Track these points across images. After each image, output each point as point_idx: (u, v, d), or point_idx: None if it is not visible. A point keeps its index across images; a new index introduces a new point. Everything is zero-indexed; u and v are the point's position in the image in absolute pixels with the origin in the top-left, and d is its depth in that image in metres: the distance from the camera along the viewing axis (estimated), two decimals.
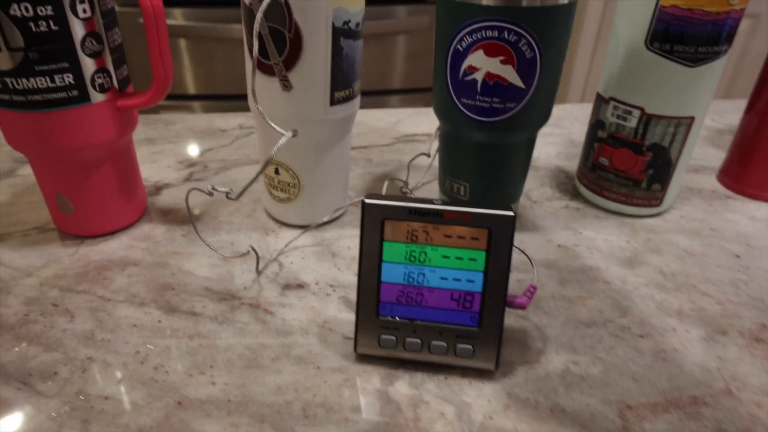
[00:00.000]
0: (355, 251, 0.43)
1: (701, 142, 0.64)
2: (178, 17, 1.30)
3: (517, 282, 0.40)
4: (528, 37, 0.35)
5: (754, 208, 0.50)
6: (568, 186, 0.53)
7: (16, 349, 0.34)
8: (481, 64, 0.37)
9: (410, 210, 0.30)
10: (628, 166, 0.45)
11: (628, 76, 0.43)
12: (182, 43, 1.34)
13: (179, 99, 1.43)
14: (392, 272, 0.32)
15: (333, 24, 0.36)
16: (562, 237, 0.45)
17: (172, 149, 0.60)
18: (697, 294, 0.39)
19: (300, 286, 0.39)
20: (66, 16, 0.34)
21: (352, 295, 0.39)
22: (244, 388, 0.31)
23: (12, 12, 0.32)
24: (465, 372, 0.32)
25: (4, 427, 0.29)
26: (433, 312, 0.32)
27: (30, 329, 0.35)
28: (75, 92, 0.36)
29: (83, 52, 0.36)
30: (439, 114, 0.42)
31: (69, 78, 0.36)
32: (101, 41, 0.37)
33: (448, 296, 0.31)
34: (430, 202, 0.31)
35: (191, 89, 1.42)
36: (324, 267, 0.41)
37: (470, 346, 0.32)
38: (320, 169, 0.43)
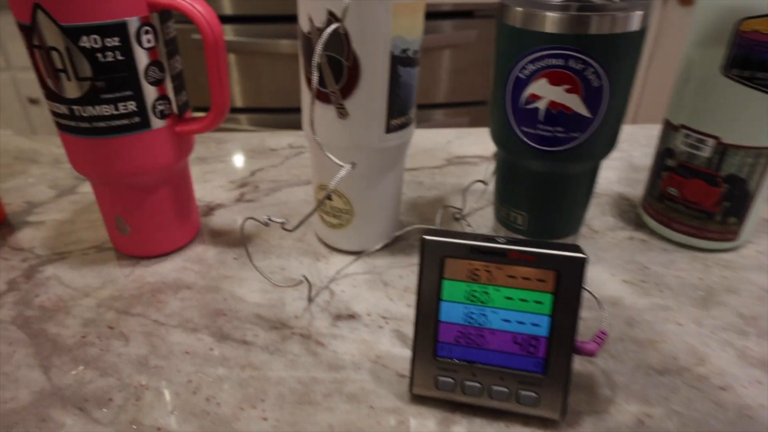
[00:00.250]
0: (408, 281, 0.42)
1: None
2: (227, 33, 1.33)
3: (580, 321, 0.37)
4: (595, 65, 0.34)
5: None
6: (631, 215, 0.50)
7: (74, 372, 0.34)
8: (544, 92, 0.36)
9: (472, 248, 0.29)
10: (701, 197, 0.42)
11: (702, 103, 0.40)
12: (231, 57, 1.37)
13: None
14: (452, 312, 0.30)
15: (391, 52, 0.35)
16: (627, 271, 0.43)
17: (224, 169, 0.60)
18: None
19: (351, 316, 0.39)
20: (131, 47, 0.34)
21: (406, 329, 0.37)
22: (296, 426, 0.30)
23: (81, 43, 0.33)
24: (528, 420, 0.31)
25: None
26: (495, 355, 0.30)
27: (87, 352, 0.35)
28: (137, 119, 0.37)
29: (146, 80, 0.36)
30: (498, 141, 0.41)
31: (132, 105, 0.36)
32: (163, 69, 0.37)
33: (510, 339, 0.30)
34: (493, 239, 0.29)
35: (239, 102, 1.45)
36: (376, 297, 0.40)
37: (534, 394, 0.30)
38: (373, 196, 0.42)
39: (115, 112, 0.36)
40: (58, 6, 0.32)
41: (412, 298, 0.40)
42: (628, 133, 0.69)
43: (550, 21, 0.33)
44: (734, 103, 0.38)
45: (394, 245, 0.46)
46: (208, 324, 0.38)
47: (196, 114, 0.42)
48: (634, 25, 0.33)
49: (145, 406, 0.32)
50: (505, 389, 0.30)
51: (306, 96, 0.39)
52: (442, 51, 1.42)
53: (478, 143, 0.66)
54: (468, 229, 0.48)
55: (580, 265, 0.28)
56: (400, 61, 0.36)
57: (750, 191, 0.41)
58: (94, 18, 0.33)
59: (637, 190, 0.55)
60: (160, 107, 0.38)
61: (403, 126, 0.39)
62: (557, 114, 0.36)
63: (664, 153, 0.44)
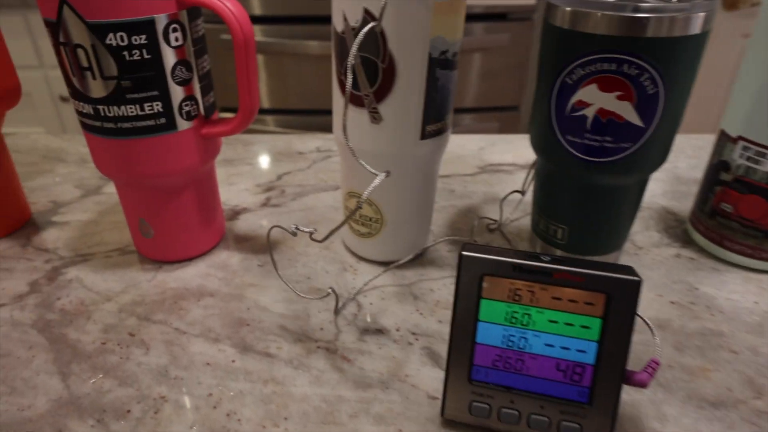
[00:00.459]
0: (439, 294, 0.40)
1: None
2: (256, 33, 1.32)
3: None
4: (651, 71, 0.31)
5: None
6: (677, 231, 0.47)
7: (93, 380, 0.33)
8: (594, 99, 0.33)
9: (514, 266, 0.27)
10: (759, 215, 0.39)
11: (764, 115, 0.37)
12: (259, 58, 1.37)
13: None
14: (489, 333, 0.28)
15: (429, 54, 0.33)
16: (674, 292, 0.40)
17: (250, 171, 0.59)
18: None
19: (380, 331, 0.37)
20: (159, 45, 0.33)
21: (437, 347, 0.35)
22: None
23: (108, 41, 0.32)
24: None
25: None
26: (535, 382, 0.28)
27: (107, 359, 0.34)
28: (163, 120, 0.36)
29: (173, 80, 0.35)
30: (539, 150, 0.38)
31: (158, 106, 0.35)
32: (191, 69, 0.36)
33: (553, 366, 0.28)
34: (537, 257, 0.27)
35: (266, 104, 1.45)
36: (405, 311, 0.38)
37: (577, 425, 0.27)
38: (405, 205, 0.40)
39: (141, 113, 0.35)
40: (84, 2, 0.31)
41: (443, 314, 0.38)
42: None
43: (603, 22, 0.31)
44: None
45: (424, 256, 0.44)
46: (231, 334, 0.36)
47: (224, 115, 0.40)
48: (696, 27, 0.30)
49: (164, 419, 0.31)
50: (546, 418, 0.28)
51: (338, 99, 0.37)
52: (473, 54, 1.40)
53: (511, 151, 0.64)
54: (506, 243, 0.46)
55: (633, 288, 0.26)
56: (438, 63, 0.34)
57: None
58: (121, 15, 0.31)
59: (683, 204, 0.52)
60: (187, 108, 0.36)
61: (438, 132, 0.37)
62: (606, 122, 0.33)
63: (718, 166, 0.41)
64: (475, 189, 0.55)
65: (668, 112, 0.33)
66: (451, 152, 0.63)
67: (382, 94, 0.35)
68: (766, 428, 0.30)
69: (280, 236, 0.47)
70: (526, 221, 0.49)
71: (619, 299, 0.26)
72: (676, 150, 0.63)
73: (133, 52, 0.32)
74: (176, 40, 0.34)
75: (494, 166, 0.60)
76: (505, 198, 0.49)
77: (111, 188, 0.55)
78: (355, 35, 0.32)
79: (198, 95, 0.37)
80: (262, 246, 0.45)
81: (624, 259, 0.43)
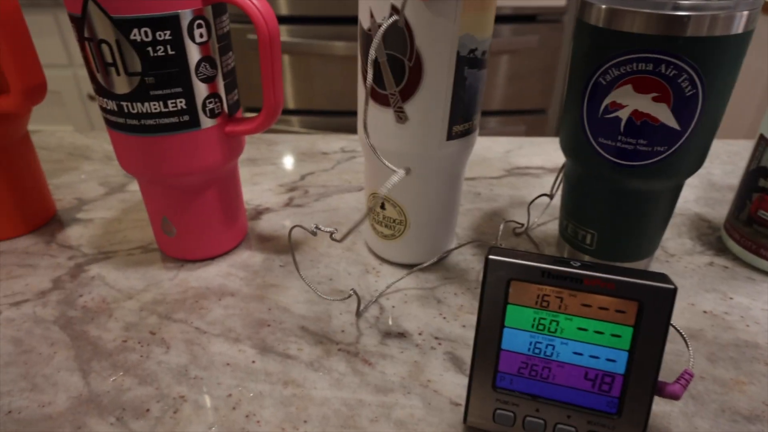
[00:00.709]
0: (463, 299, 0.39)
1: None
2: (282, 33, 1.33)
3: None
4: (690, 71, 0.30)
5: None
6: (711, 239, 0.46)
7: (113, 378, 0.33)
8: (628, 100, 0.32)
9: (543, 271, 0.26)
10: None
11: None
12: (284, 58, 1.37)
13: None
14: (515, 340, 0.27)
15: (458, 52, 0.33)
16: (707, 301, 0.38)
17: (274, 171, 0.59)
18: None
19: (402, 334, 0.36)
20: (183, 41, 0.33)
21: (461, 352, 0.34)
22: None
23: (132, 36, 0.32)
24: None
25: None
26: (562, 391, 0.27)
27: (127, 357, 0.34)
28: (186, 117, 0.35)
29: (197, 77, 0.35)
30: (569, 152, 0.37)
31: (181, 103, 0.35)
32: (215, 66, 0.36)
33: (581, 375, 0.27)
34: (567, 262, 0.26)
35: (291, 104, 1.45)
36: (428, 315, 0.38)
37: None
38: (429, 207, 0.39)
39: (164, 110, 0.34)
40: None
41: (467, 318, 0.37)
42: None
43: (640, 20, 0.30)
44: None
45: (448, 260, 0.43)
46: (251, 335, 0.36)
47: (248, 115, 0.40)
48: (739, 26, 0.29)
49: (183, 419, 0.30)
50: (573, 428, 0.27)
51: (363, 98, 0.37)
52: (500, 56, 1.38)
53: (539, 154, 0.62)
54: (532, 247, 0.45)
55: (667, 297, 0.25)
56: (467, 62, 0.33)
57: None
58: (146, 10, 0.31)
59: (717, 211, 0.50)
60: (210, 105, 0.36)
61: (465, 133, 0.37)
62: (641, 125, 0.32)
63: (756, 172, 0.39)
64: (501, 192, 0.54)
65: (706, 116, 0.32)
66: (477, 154, 0.62)
67: (408, 93, 0.34)
68: None
69: (302, 237, 0.47)
70: (553, 226, 0.48)
71: (652, 307, 0.25)
72: (710, 155, 0.61)
73: (158, 47, 0.32)
74: (201, 36, 0.34)
75: (521, 169, 0.59)
76: (532, 201, 0.47)
77: (135, 186, 0.55)
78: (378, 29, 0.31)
79: (222, 93, 0.37)
80: (284, 246, 0.45)
81: (655, 266, 0.42)
